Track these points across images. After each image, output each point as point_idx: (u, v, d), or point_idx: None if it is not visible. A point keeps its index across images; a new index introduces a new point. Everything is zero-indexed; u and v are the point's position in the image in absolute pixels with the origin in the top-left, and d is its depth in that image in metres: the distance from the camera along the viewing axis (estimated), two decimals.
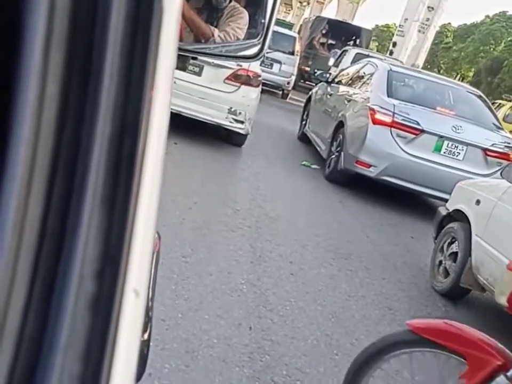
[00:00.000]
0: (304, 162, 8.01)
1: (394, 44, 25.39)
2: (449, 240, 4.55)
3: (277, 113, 12.51)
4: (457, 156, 6.77)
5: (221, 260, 4.01)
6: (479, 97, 7.85)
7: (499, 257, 3.82)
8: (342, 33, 21.75)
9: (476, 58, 33.17)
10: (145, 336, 1.08)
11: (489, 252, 3.96)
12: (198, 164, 6.28)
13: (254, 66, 7.19)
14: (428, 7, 24.32)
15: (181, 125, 6.70)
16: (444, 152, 6.76)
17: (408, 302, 4.26)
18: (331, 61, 18.03)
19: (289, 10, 51.32)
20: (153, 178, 0.48)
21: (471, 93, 8.00)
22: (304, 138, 9.52)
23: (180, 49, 0.88)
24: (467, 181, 4.97)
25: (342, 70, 10.38)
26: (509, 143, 6.95)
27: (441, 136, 6.73)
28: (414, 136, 6.65)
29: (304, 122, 9.83)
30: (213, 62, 6.77)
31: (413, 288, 4.56)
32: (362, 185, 6.98)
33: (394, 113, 6.63)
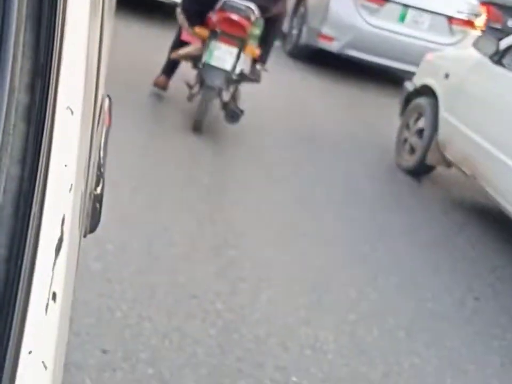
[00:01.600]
0: None
1: None
2: (415, 117, 4.41)
3: None
4: (421, 25, 6.50)
5: (182, 151, 3.83)
6: None
7: (468, 133, 3.70)
8: None
9: None
10: (98, 190, 1.07)
11: (458, 128, 3.83)
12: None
13: None
14: None
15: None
16: (409, 22, 6.48)
17: (372, 182, 4.19)
18: None
19: None
20: None
21: None
22: None
23: None
24: (435, 53, 4.75)
25: None
26: (474, 10, 6.68)
27: (405, 5, 6.42)
28: (378, 6, 6.33)
29: None
30: None
31: (378, 167, 4.48)
32: (325, 61, 6.69)
33: None
